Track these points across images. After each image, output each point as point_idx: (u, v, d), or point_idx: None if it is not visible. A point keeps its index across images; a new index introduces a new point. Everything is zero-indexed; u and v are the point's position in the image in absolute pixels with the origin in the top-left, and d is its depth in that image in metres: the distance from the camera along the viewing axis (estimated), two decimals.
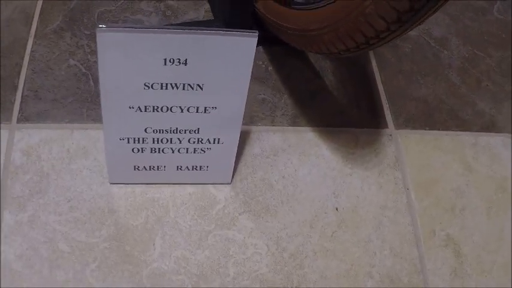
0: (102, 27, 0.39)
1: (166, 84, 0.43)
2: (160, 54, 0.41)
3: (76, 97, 0.57)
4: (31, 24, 0.62)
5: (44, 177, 0.52)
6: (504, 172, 0.65)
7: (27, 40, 0.60)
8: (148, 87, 0.43)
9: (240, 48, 0.41)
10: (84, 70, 0.58)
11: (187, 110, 0.45)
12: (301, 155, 0.57)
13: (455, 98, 0.69)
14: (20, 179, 0.51)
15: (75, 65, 0.59)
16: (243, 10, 0.60)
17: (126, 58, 0.41)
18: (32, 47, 0.60)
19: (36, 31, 0.61)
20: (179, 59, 0.41)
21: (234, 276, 0.49)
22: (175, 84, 0.43)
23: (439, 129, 0.65)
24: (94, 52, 0.60)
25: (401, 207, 0.57)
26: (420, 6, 0.39)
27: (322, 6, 0.46)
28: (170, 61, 0.41)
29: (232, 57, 0.42)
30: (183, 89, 0.43)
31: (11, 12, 0.63)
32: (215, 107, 0.45)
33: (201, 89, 0.43)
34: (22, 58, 0.59)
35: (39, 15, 0.63)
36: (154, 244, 0.50)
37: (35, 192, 0.51)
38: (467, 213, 0.60)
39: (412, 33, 0.73)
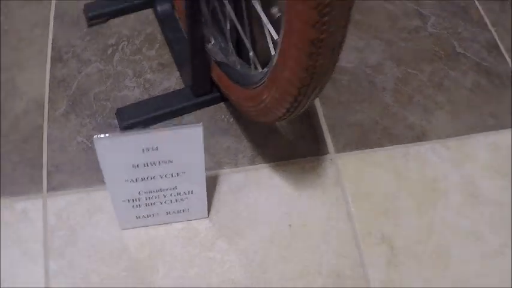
0: (97, 136, 0.68)
1: (147, 163, 0.71)
2: (139, 146, 0.69)
3: (87, 167, 0.86)
4: (43, 111, 0.91)
5: (73, 231, 0.81)
6: (432, 174, 0.91)
7: (43, 125, 0.90)
8: (136, 167, 0.71)
9: (192, 135, 0.69)
10: (89, 144, 0.87)
11: (165, 176, 0.73)
12: (259, 187, 0.85)
13: (388, 117, 0.95)
14: (56, 235, 0.81)
15: (82, 141, 0.88)
16: (202, 78, 0.88)
17: (117, 152, 0.69)
18: (47, 131, 0.89)
19: (48, 117, 0.90)
20: (152, 147, 0.69)
21: (216, 285, 0.78)
22: (154, 162, 0.71)
23: (373, 148, 0.91)
24: (95, 128, 0.89)
25: (343, 217, 0.85)
26: (305, 91, 0.65)
27: (251, 88, 0.73)
28: (147, 149, 0.70)
29: (187, 141, 0.70)
30: (159, 164, 0.72)
31: (26, 104, 0.92)
32: (184, 172, 0.73)
33: (172, 162, 0.72)
34: (42, 140, 0.88)
35: (48, 103, 0.92)
36: (158, 269, 0.79)
37: (69, 243, 0.80)
38: (399, 213, 0.86)
39: (349, 65, 1.00)
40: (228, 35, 0.81)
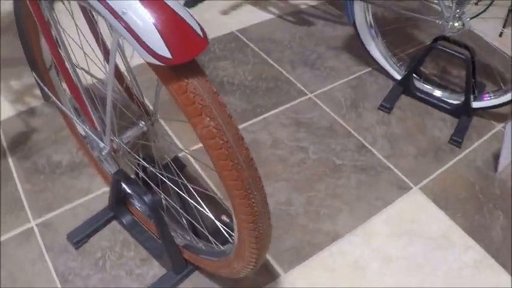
0: None
1: None
2: None
3: None
4: None
5: None
6: (353, 258, 1.52)
7: None
8: None
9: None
10: None
11: None
12: None
13: (308, 234, 1.56)
14: None
15: None
16: (178, 262, 1.44)
17: None
18: None
19: None
20: None
21: None
22: None
23: (308, 258, 1.51)
24: None
25: None
26: (261, 258, 1.25)
27: (221, 260, 1.31)
28: None
29: None
30: None
31: None
32: None
33: None
34: None
35: None
36: None
37: None
38: None
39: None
40: (186, 226, 1.39)
